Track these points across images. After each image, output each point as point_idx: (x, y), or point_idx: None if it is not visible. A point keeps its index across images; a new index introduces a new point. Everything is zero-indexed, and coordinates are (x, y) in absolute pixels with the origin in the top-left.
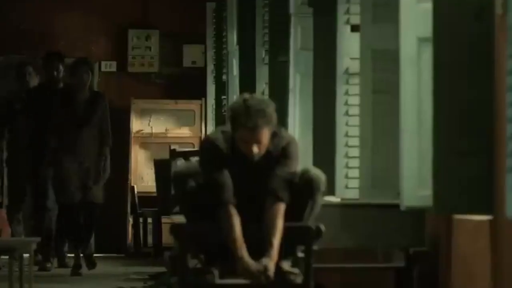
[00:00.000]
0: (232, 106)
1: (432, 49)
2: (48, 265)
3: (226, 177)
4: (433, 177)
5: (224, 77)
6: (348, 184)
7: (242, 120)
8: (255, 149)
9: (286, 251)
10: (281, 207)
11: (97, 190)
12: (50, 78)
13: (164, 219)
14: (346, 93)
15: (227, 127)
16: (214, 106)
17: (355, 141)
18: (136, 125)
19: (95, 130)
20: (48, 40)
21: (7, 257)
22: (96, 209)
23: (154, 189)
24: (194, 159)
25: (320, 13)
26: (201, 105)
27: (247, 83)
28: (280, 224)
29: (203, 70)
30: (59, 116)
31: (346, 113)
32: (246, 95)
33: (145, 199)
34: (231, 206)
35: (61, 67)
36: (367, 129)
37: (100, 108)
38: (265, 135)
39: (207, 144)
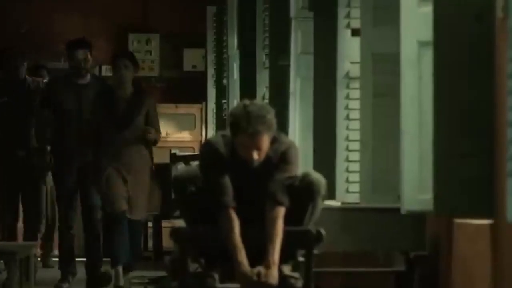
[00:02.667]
0: (232, 112)
1: (432, 51)
2: (65, 285)
3: (226, 180)
4: (434, 180)
5: (224, 81)
6: (349, 188)
7: (242, 126)
8: (255, 155)
9: (286, 255)
10: (281, 211)
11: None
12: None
13: (165, 223)
14: (347, 97)
15: (227, 131)
16: (214, 110)
17: (356, 145)
18: None
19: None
20: (48, 43)
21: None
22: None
23: None
24: (195, 163)
25: (320, 17)
26: (201, 109)
27: (248, 87)
28: (280, 228)
29: (203, 74)
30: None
31: (347, 117)
32: (247, 101)
33: None
34: (231, 210)
35: (89, 56)
36: (368, 133)
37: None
38: (265, 141)
39: (207, 148)
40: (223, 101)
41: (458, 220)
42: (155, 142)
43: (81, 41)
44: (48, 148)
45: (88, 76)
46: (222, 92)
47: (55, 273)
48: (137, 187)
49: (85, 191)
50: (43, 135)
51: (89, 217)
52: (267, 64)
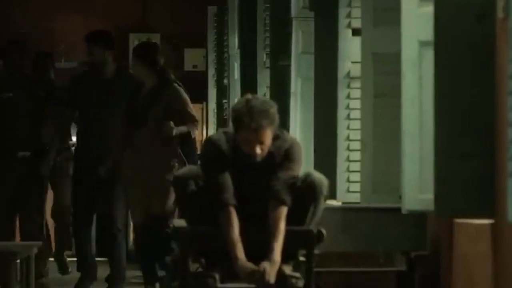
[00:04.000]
0: (234, 107)
1: (433, 52)
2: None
3: (227, 178)
4: (435, 180)
5: (225, 81)
6: (350, 187)
7: (245, 121)
8: (258, 149)
9: (287, 255)
10: (284, 211)
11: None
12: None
13: None
14: (348, 96)
15: (229, 128)
16: (215, 110)
17: (357, 145)
18: None
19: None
20: (49, 43)
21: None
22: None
23: None
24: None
25: (321, 17)
26: (202, 109)
27: (249, 87)
28: (282, 227)
29: (204, 74)
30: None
31: (347, 117)
32: (249, 96)
33: None
34: (231, 207)
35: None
36: (369, 132)
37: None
38: (268, 135)
39: (208, 145)
40: (224, 101)
41: (459, 220)
42: None
43: (98, 34)
44: (51, 148)
45: (111, 70)
46: (223, 92)
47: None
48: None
49: (102, 202)
50: (45, 135)
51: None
52: (268, 64)
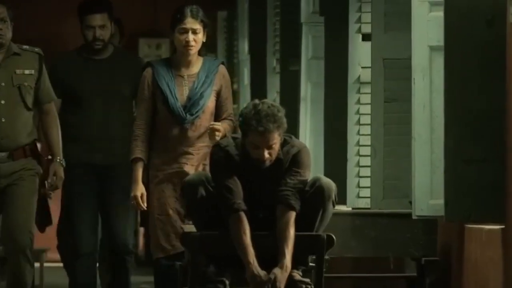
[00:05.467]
0: (242, 112)
1: (443, 57)
2: None
3: (237, 183)
4: (445, 185)
5: (235, 86)
6: (360, 193)
7: (252, 125)
8: (266, 154)
9: (297, 260)
10: (292, 216)
11: None
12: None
13: None
14: (358, 102)
15: (238, 134)
16: None
17: (367, 150)
18: None
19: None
20: (57, 48)
21: None
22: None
23: None
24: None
25: (331, 22)
26: None
27: (258, 92)
28: (291, 233)
29: None
30: None
31: (358, 122)
32: (257, 101)
33: None
34: (242, 213)
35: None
36: (379, 138)
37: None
38: (276, 139)
39: (217, 151)
40: (234, 106)
41: (469, 226)
42: None
43: (98, 2)
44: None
45: (110, 49)
46: (233, 97)
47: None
48: None
49: (108, 211)
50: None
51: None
52: (278, 69)
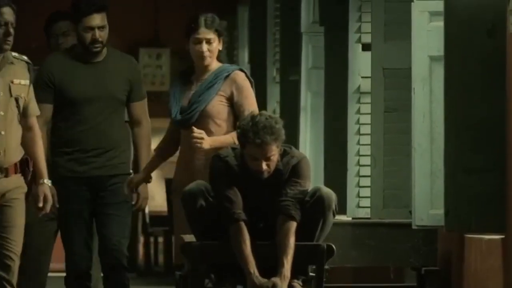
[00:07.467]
0: (240, 124)
1: (444, 67)
2: None
3: (237, 194)
4: (445, 195)
5: None
6: (360, 203)
7: (250, 137)
8: (264, 166)
9: (297, 270)
10: (293, 226)
11: None
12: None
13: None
14: (358, 111)
15: (237, 145)
16: None
17: (367, 160)
18: None
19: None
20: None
21: None
22: None
23: (165, 209)
24: None
25: (331, 32)
26: None
27: (258, 102)
28: (292, 243)
29: None
30: None
31: (358, 132)
32: (254, 113)
33: (156, 218)
34: (242, 223)
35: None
36: (379, 147)
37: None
38: (274, 151)
39: (217, 161)
40: None
41: (470, 235)
42: None
43: (96, 1)
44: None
45: (104, 51)
46: None
47: None
48: None
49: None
50: None
51: (110, 268)
52: (278, 79)
